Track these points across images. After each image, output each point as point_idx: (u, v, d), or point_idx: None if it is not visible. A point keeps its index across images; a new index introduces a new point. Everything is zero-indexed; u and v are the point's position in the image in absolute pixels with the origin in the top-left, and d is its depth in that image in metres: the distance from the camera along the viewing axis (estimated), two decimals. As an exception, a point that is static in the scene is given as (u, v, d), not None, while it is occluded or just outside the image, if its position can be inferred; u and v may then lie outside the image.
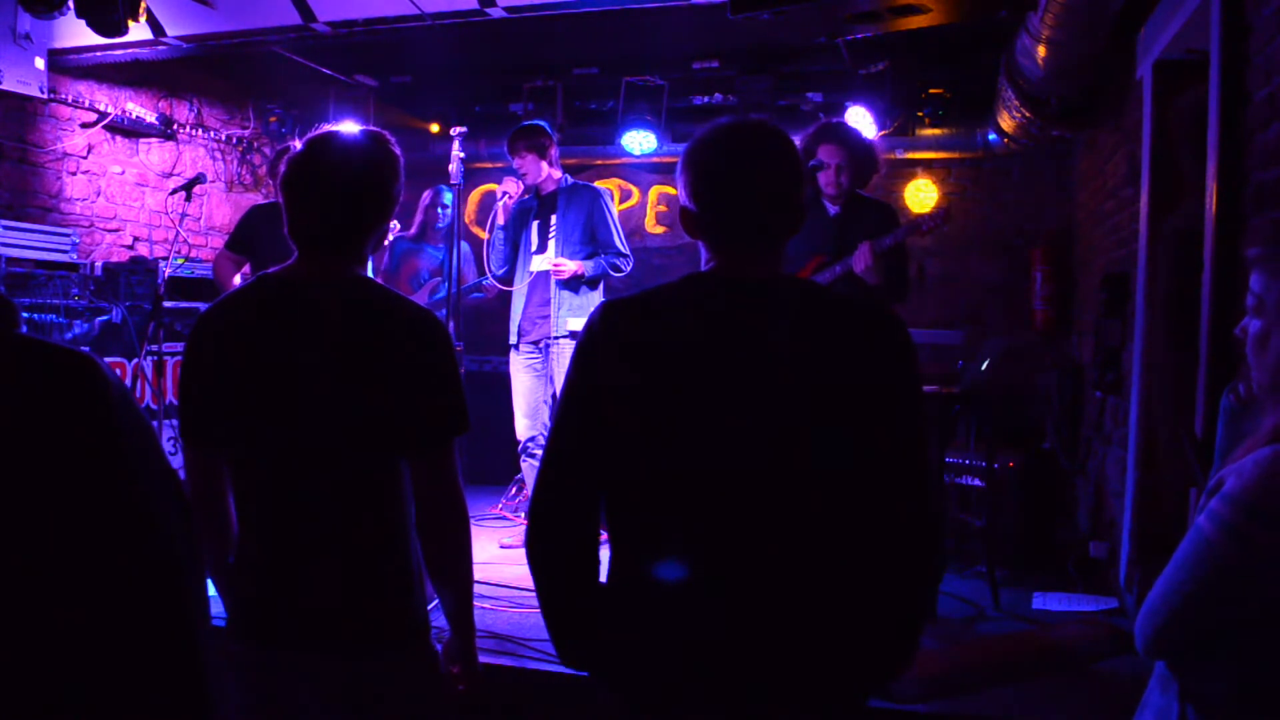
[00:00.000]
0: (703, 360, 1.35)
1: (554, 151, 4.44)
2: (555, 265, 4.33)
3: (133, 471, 0.98)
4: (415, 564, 1.73)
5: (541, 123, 4.53)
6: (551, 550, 1.43)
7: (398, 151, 1.77)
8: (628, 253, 4.47)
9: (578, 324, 4.25)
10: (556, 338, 4.38)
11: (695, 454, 1.35)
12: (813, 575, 1.36)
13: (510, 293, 4.55)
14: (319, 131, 1.75)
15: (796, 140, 3.93)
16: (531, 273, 4.49)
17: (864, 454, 1.34)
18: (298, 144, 1.73)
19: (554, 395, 4.46)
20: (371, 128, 1.80)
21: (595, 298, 4.47)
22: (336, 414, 1.63)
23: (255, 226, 4.34)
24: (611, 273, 4.44)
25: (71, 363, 0.99)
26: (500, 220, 4.46)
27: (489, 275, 4.59)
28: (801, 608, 1.35)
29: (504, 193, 4.40)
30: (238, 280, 4.31)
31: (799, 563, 1.35)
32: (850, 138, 3.83)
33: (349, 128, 1.81)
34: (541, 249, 4.47)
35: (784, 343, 1.35)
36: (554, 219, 4.44)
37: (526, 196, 4.50)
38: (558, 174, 4.46)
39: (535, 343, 4.46)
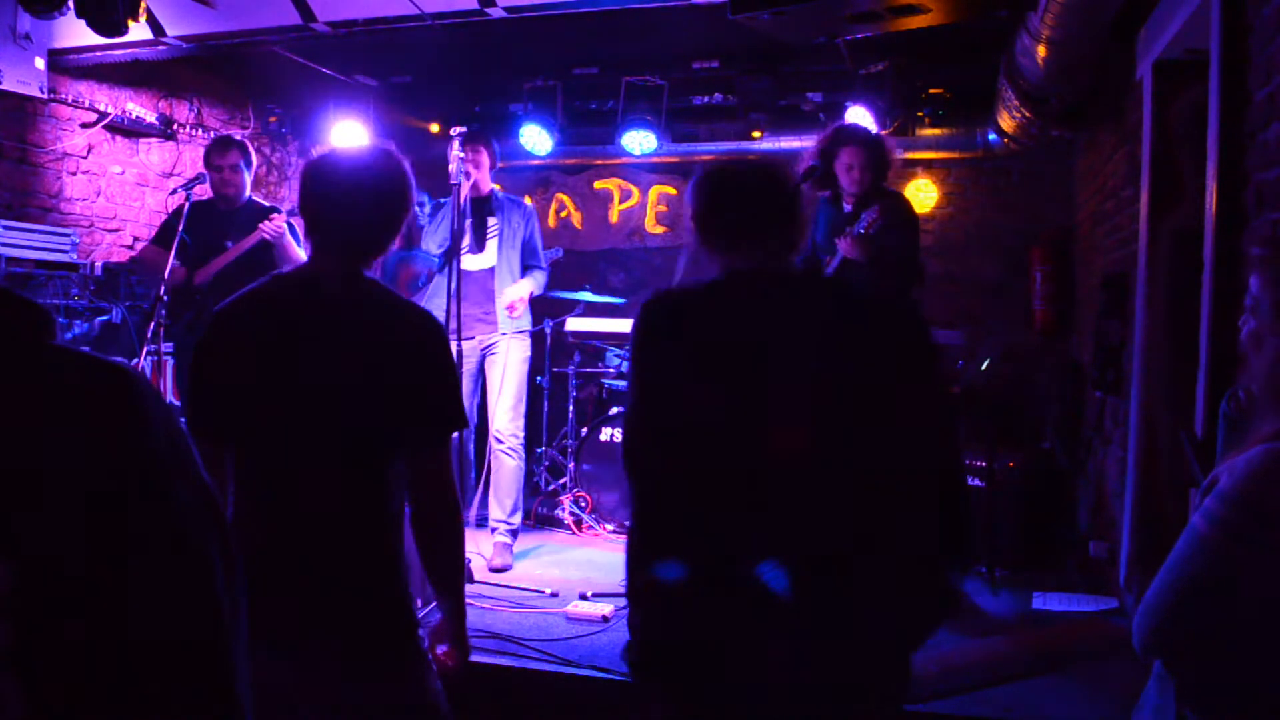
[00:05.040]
0: (743, 350, 1.46)
1: (495, 165, 4.56)
2: (509, 308, 4.43)
3: (168, 490, 0.96)
4: (405, 561, 1.77)
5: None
6: (657, 544, 1.52)
7: (406, 165, 1.90)
8: (546, 266, 4.70)
9: (517, 324, 4.48)
10: (501, 335, 4.46)
11: (737, 443, 1.44)
12: (854, 555, 1.42)
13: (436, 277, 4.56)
14: (330, 145, 1.87)
15: (813, 143, 4.05)
16: (464, 270, 4.35)
17: (891, 434, 1.42)
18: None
19: (492, 391, 4.51)
20: (380, 143, 1.93)
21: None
22: (340, 409, 1.69)
23: (177, 222, 4.17)
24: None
25: (110, 377, 0.97)
26: (461, 201, 4.24)
27: (433, 257, 4.58)
28: (847, 586, 1.41)
29: (468, 179, 4.31)
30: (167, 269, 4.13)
31: (843, 544, 1.42)
32: (867, 137, 3.97)
33: (356, 134, 1.97)
34: (477, 249, 4.50)
35: (815, 330, 1.47)
36: (491, 221, 4.50)
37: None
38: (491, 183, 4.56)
39: (476, 342, 4.47)
